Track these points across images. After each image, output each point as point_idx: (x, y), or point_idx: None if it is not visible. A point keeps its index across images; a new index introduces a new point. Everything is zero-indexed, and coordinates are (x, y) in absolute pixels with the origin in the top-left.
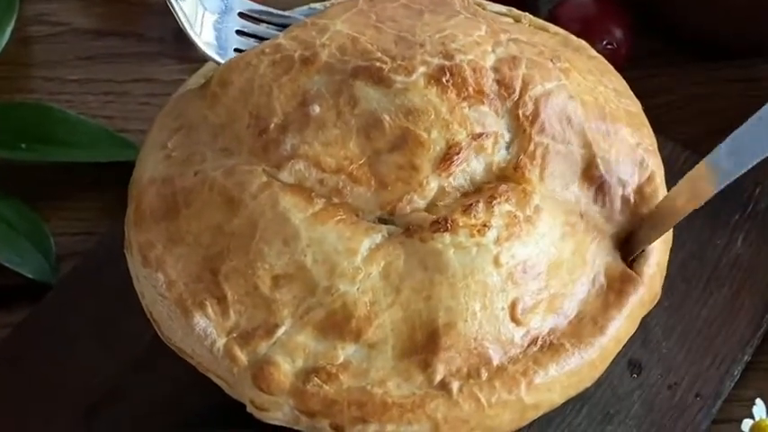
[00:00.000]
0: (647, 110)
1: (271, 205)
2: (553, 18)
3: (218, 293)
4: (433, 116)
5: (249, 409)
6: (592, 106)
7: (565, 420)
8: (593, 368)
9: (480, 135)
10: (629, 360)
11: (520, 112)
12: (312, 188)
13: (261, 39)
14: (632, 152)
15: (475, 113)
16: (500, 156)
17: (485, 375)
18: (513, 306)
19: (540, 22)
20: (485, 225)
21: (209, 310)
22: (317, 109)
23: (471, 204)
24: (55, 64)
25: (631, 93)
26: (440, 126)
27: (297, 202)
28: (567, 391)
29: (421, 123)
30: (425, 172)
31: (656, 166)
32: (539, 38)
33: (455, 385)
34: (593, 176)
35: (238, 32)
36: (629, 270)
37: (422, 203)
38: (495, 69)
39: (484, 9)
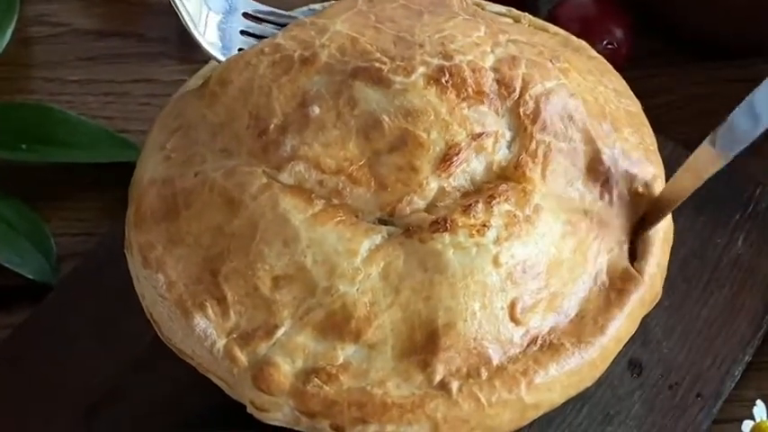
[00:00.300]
0: (648, 110)
1: (271, 206)
2: (553, 18)
3: (219, 294)
4: (432, 117)
5: (249, 409)
6: (592, 105)
7: (565, 420)
8: (593, 368)
9: (480, 135)
10: (630, 360)
11: (521, 110)
12: (312, 189)
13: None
14: (635, 150)
15: (475, 113)
16: (501, 155)
17: (485, 375)
18: (512, 306)
19: (540, 22)
20: (484, 225)
21: (210, 311)
22: (316, 110)
23: (470, 204)
24: (55, 65)
25: (631, 93)
26: (439, 127)
27: (297, 203)
28: (567, 390)
29: (420, 124)
30: (425, 173)
31: (656, 165)
32: (538, 38)
33: (455, 385)
34: (597, 171)
35: (243, 33)
36: (631, 269)
37: (422, 204)
38: (495, 69)
39: (483, 9)
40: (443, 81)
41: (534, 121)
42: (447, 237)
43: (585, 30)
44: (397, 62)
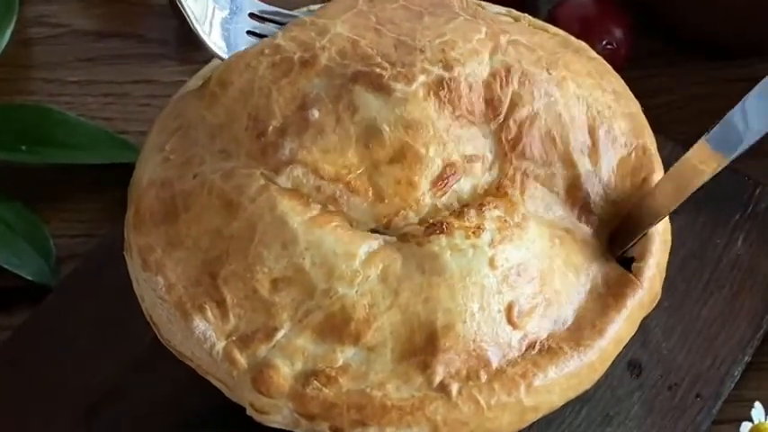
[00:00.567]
0: (647, 110)
1: (269, 208)
2: (553, 18)
3: (218, 297)
4: (431, 132)
5: (249, 412)
6: (581, 122)
7: (564, 422)
8: (592, 370)
9: (472, 157)
10: (629, 361)
11: (503, 135)
12: (309, 194)
13: None
14: (624, 163)
15: (467, 133)
16: (484, 178)
17: (484, 377)
18: (509, 309)
19: (540, 23)
20: (479, 227)
21: (209, 313)
22: (315, 113)
23: (463, 210)
24: (55, 65)
25: (631, 94)
26: (437, 143)
27: (294, 205)
28: (566, 393)
29: (420, 138)
30: (422, 189)
31: (656, 166)
32: (538, 38)
33: (454, 387)
34: (576, 197)
35: (249, 33)
36: (627, 273)
37: (415, 219)
38: (487, 85)
39: (483, 9)
40: (442, 95)
41: (513, 148)
42: (444, 239)
43: (585, 30)
44: (398, 68)
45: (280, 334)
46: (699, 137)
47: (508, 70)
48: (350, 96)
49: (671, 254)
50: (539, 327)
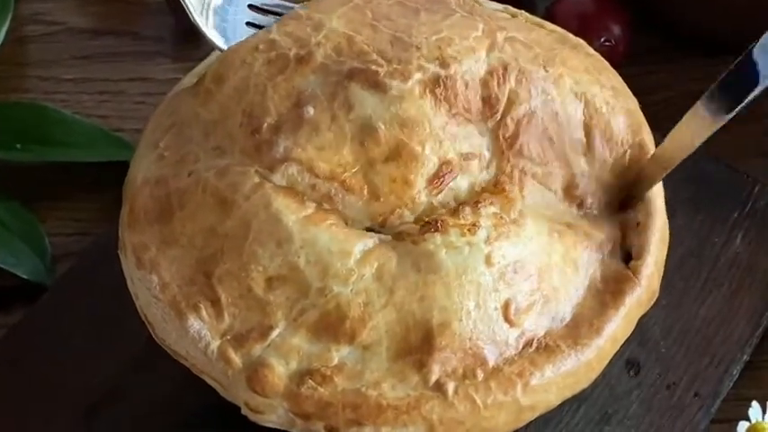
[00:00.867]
0: (646, 107)
1: (264, 206)
2: (550, 15)
3: (212, 296)
4: (427, 130)
5: (244, 411)
6: (576, 121)
7: (562, 421)
8: (589, 369)
9: (468, 155)
10: (627, 359)
11: (500, 133)
12: (304, 192)
13: None
14: (621, 158)
15: (463, 131)
16: (482, 176)
17: (480, 376)
18: (506, 306)
19: (537, 19)
20: (474, 224)
21: (203, 312)
22: (311, 111)
23: (458, 208)
24: (50, 63)
25: (629, 91)
26: (433, 141)
27: (289, 203)
28: (563, 392)
29: (415, 136)
30: (418, 187)
31: None
32: (535, 35)
33: (450, 386)
34: (573, 195)
35: (248, 24)
36: (625, 270)
37: (411, 218)
38: (484, 83)
39: (480, 5)
40: (438, 93)
41: (511, 146)
42: (439, 237)
43: (583, 27)
44: (394, 65)
45: (275, 333)
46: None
47: (505, 68)
48: (345, 94)
49: (669, 252)
50: (536, 324)
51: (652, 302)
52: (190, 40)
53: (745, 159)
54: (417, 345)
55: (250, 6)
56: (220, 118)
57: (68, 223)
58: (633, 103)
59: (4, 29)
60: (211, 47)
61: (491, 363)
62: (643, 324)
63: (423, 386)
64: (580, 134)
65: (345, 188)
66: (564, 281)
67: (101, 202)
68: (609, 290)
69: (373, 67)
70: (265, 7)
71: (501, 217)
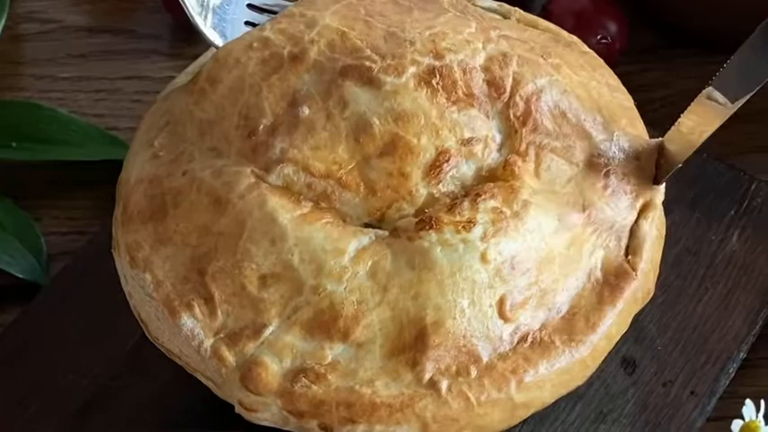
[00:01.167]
0: (642, 105)
1: (258, 205)
2: (547, 13)
3: (206, 294)
4: (423, 121)
5: (237, 409)
6: (586, 99)
7: (558, 419)
8: (584, 366)
9: (470, 140)
10: (623, 357)
11: (510, 112)
12: (300, 192)
13: None
14: (633, 140)
15: (465, 117)
16: (491, 159)
17: (474, 373)
18: (501, 302)
19: (530, 17)
20: (470, 221)
21: (197, 310)
22: (306, 111)
23: (455, 203)
24: (46, 62)
25: (624, 88)
26: (429, 132)
27: (284, 203)
28: (557, 389)
29: (411, 129)
30: (415, 179)
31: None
32: (528, 34)
33: (444, 384)
34: (597, 165)
35: (247, 23)
36: (625, 264)
37: (410, 210)
38: (486, 68)
39: (474, 5)
40: (434, 83)
41: (524, 123)
42: (434, 234)
43: (580, 24)
44: (388, 60)
45: (268, 331)
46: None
47: (504, 55)
48: (340, 92)
49: (665, 250)
50: (531, 318)
51: (647, 300)
52: (186, 38)
53: (742, 156)
54: (411, 343)
55: (249, 6)
56: (215, 119)
57: (64, 222)
58: (629, 101)
59: (0, 27)
60: (208, 45)
61: (485, 359)
62: (639, 322)
63: (416, 384)
64: (593, 112)
65: (342, 185)
66: (565, 271)
67: (96, 201)
68: (608, 283)
69: (367, 63)
70: (265, 6)
71: (501, 211)
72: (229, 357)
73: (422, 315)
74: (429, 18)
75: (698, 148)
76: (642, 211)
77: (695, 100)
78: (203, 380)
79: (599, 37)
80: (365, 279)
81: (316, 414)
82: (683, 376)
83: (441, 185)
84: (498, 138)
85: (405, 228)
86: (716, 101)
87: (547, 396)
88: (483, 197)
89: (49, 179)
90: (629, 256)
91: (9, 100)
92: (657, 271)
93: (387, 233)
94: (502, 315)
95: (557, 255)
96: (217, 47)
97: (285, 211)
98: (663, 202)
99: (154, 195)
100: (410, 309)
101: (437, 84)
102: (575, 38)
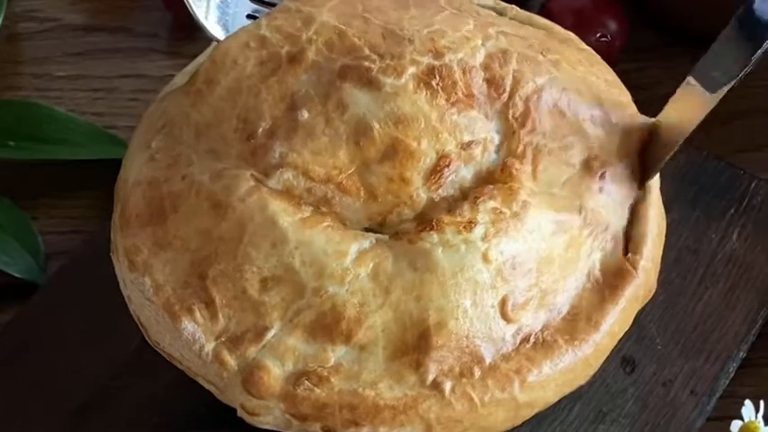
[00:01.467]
0: (642, 103)
1: (259, 209)
2: (546, 11)
3: (207, 298)
4: (423, 125)
5: (240, 413)
6: (587, 95)
7: (557, 419)
8: (587, 365)
9: (470, 144)
10: (623, 357)
11: (510, 113)
12: (300, 196)
13: None
14: (628, 135)
15: (464, 119)
16: (490, 161)
17: (477, 374)
18: (503, 303)
19: (526, 14)
20: (471, 222)
21: (198, 314)
22: (305, 114)
23: (455, 205)
24: (43, 60)
25: (622, 84)
26: (429, 135)
27: (285, 207)
28: (561, 389)
29: (411, 132)
30: (416, 184)
31: None
32: (525, 31)
33: (447, 385)
34: (591, 168)
35: (249, 17)
36: (625, 263)
37: (411, 215)
38: (486, 66)
39: (470, 2)
40: (434, 84)
41: (523, 125)
42: (435, 235)
43: (579, 22)
44: (387, 60)
45: (270, 334)
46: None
47: (504, 52)
48: (339, 95)
49: (665, 248)
50: (533, 319)
51: (649, 297)
52: (184, 36)
53: (742, 155)
54: (414, 344)
55: None
56: (213, 121)
57: (62, 221)
58: (626, 97)
59: None
60: (208, 40)
61: (488, 360)
62: (639, 321)
63: (420, 385)
64: (592, 107)
65: (342, 190)
66: (565, 272)
67: (94, 200)
68: (608, 282)
69: (366, 64)
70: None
71: (500, 212)
72: (231, 361)
73: (424, 316)
74: (427, 15)
75: (685, 141)
76: (639, 211)
77: (677, 91)
78: (205, 384)
79: (598, 35)
80: (367, 281)
81: (319, 417)
82: (683, 376)
83: (441, 190)
84: (497, 139)
85: (406, 230)
86: (697, 91)
87: (551, 396)
88: (482, 198)
89: (47, 178)
90: (630, 254)
91: (7, 99)
92: (659, 268)
93: (387, 236)
94: (504, 316)
95: (556, 256)
96: (218, 40)
97: (286, 215)
98: (663, 201)
99: (152, 199)
100: (412, 310)
101: (437, 85)
102: (571, 34)
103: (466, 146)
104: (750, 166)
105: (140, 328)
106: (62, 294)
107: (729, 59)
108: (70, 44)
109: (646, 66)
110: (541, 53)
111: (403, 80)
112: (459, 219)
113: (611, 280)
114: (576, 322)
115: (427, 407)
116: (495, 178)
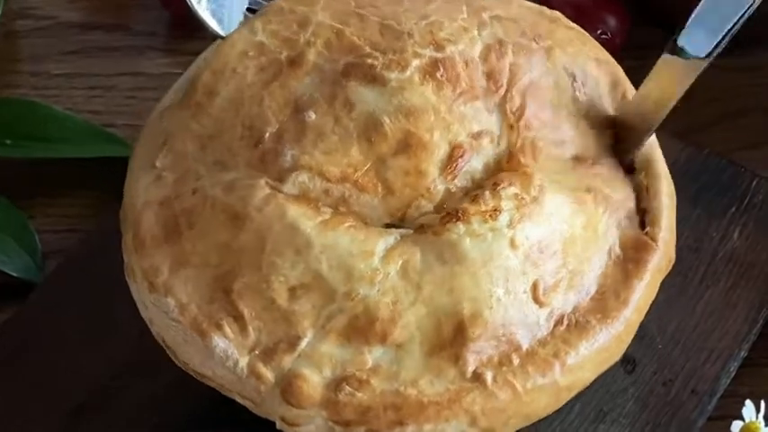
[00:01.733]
0: None
1: (278, 216)
2: (547, 4)
3: (234, 312)
4: (433, 116)
5: (279, 425)
6: (580, 76)
7: (557, 418)
8: (620, 342)
9: (479, 134)
10: (623, 356)
11: (507, 107)
12: (318, 198)
13: None
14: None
15: (471, 110)
16: (496, 151)
17: (516, 362)
18: (534, 287)
19: None
20: (495, 210)
21: (227, 329)
22: (312, 115)
23: (477, 194)
24: (41, 58)
25: (613, 60)
26: (441, 127)
27: (305, 211)
28: (597, 368)
29: (422, 124)
30: (432, 176)
31: None
32: (516, 10)
33: (489, 375)
34: (585, 159)
35: (249, 10)
36: (643, 236)
37: (430, 207)
38: (484, 59)
39: None
40: (438, 76)
41: (519, 118)
42: (461, 226)
43: (580, 19)
44: (389, 56)
45: (303, 342)
46: (696, 127)
47: (501, 43)
48: (345, 93)
49: None
50: (564, 301)
51: (670, 267)
52: (181, 34)
53: (744, 152)
54: (450, 338)
55: None
56: (216, 132)
57: (59, 220)
58: (619, 71)
59: None
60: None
61: (525, 346)
62: None
63: (461, 379)
64: (579, 98)
65: (359, 188)
66: (587, 250)
67: (92, 199)
68: (630, 257)
69: (369, 61)
70: None
71: (521, 197)
72: (267, 374)
73: (458, 309)
74: (420, 6)
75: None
76: (647, 184)
77: (661, 57)
78: (240, 400)
79: (599, 31)
80: (397, 279)
81: (363, 421)
82: (684, 375)
83: (456, 180)
84: (497, 131)
85: (429, 223)
86: (683, 55)
87: (588, 376)
88: (502, 185)
89: (45, 176)
90: (648, 228)
91: (4, 97)
92: (675, 238)
93: (411, 231)
94: (536, 300)
95: (578, 236)
96: (218, 34)
97: (306, 219)
98: None
99: (166, 217)
100: (446, 304)
101: (441, 76)
102: (556, 12)
103: (476, 136)
104: (751, 164)
105: (166, 350)
106: (60, 293)
107: (713, 24)
108: (68, 42)
109: (646, 63)
110: (534, 40)
111: (408, 73)
112: (483, 207)
113: (632, 255)
114: (605, 301)
115: (471, 399)
116: (504, 167)
